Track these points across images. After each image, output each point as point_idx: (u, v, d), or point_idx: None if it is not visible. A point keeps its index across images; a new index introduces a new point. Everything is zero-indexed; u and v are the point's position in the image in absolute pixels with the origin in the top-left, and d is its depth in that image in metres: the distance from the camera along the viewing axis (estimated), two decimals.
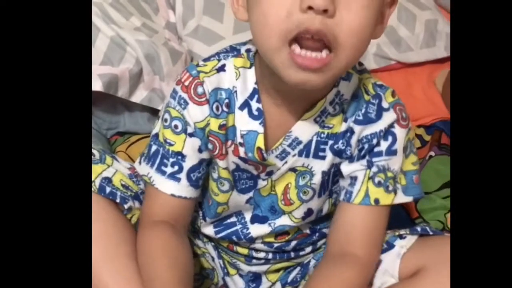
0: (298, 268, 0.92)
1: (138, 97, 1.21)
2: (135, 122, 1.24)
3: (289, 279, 0.91)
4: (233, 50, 0.81)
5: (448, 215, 1.11)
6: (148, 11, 1.32)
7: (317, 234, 0.89)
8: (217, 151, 0.80)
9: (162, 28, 1.31)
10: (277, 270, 0.91)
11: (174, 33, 1.34)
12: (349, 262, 0.79)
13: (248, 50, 0.80)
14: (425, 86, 1.47)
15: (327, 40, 0.66)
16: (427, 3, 1.55)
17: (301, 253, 0.90)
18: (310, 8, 0.64)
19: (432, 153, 1.26)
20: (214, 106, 0.78)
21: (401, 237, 0.83)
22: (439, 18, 1.53)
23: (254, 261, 0.89)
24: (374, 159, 0.80)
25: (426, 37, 1.50)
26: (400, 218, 1.09)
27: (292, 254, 0.89)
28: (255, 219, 0.86)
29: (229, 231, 0.87)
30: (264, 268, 0.90)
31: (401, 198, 0.82)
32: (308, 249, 0.90)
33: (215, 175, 0.83)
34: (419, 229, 0.83)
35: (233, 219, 0.87)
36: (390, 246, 0.82)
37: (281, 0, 0.66)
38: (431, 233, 0.82)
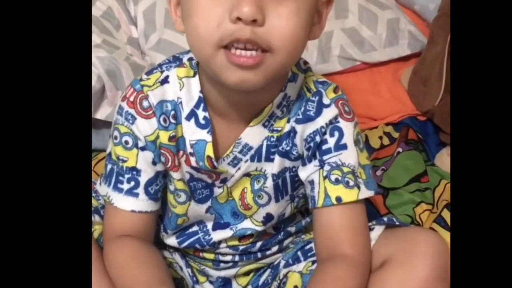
0: (269, 270, 0.91)
1: (103, 113, 1.21)
2: (101, 139, 1.24)
3: (260, 282, 0.91)
4: (176, 60, 0.81)
5: (417, 209, 1.12)
6: (109, 28, 1.32)
7: (282, 233, 0.88)
8: (170, 163, 0.80)
9: (124, 44, 1.31)
10: (247, 273, 0.91)
11: (137, 48, 1.35)
12: (341, 262, 0.77)
13: (190, 59, 0.80)
14: (391, 84, 1.48)
15: (259, 48, 0.67)
16: (387, 2, 1.56)
17: (268, 252, 0.89)
18: (239, 19, 0.65)
19: (400, 149, 1.26)
20: (161, 118, 0.78)
21: (369, 229, 0.82)
22: (400, 17, 1.54)
23: (222, 264, 0.89)
24: (324, 157, 0.80)
25: (388, 36, 1.51)
26: (369, 216, 1.09)
27: (259, 255, 0.89)
28: (217, 226, 0.86)
29: (191, 240, 0.87)
30: (233, 271, 0.90)
31: (365, 192, 0.80)
32: (275, 248, 0.89)
33: (171, 188, 0.83)
34: (385, 219, 0.83)
35: (195, 228, 0.87)
36: None
37: (210, 12, 0.67)
38: (397, 223, 0.83)
